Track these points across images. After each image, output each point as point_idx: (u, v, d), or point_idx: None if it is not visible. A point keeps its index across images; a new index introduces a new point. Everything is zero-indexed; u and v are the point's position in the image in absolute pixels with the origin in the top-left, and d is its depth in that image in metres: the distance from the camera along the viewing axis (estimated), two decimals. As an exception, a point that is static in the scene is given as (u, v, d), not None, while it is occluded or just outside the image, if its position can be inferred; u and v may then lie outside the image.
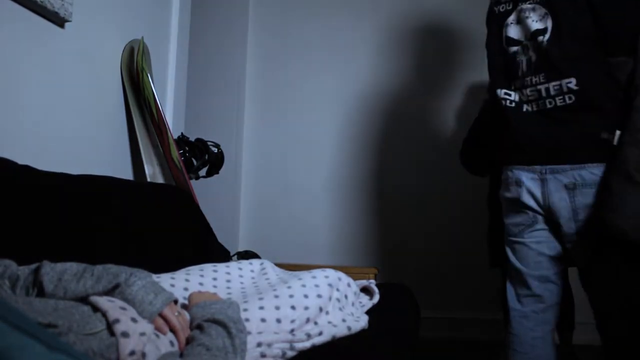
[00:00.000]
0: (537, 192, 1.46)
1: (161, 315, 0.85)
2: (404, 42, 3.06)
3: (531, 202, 1.48)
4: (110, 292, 0.83)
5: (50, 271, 0.84)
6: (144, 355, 0.74)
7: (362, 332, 1.18)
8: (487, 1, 1.64)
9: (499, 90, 1.53)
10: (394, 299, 1.52)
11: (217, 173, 2.15)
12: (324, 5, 3.13)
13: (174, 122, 2.11)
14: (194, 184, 2.00)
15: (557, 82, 1.41)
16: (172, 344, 0.84)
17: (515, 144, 1.50)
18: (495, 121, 1.61)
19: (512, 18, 1.52)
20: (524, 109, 1.49)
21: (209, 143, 2.08)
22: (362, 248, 3.01)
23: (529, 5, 1.48)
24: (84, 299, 0.81)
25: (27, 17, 1.34)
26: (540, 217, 1.49)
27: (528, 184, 1.47)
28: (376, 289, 1.44)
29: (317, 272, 1.24)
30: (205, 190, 2.35)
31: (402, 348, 1.27)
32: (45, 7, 1.35)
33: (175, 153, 1.82)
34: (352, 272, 1.50)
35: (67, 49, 1.50)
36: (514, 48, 1.51)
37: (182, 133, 2.10)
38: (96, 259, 0.94)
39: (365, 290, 1.47)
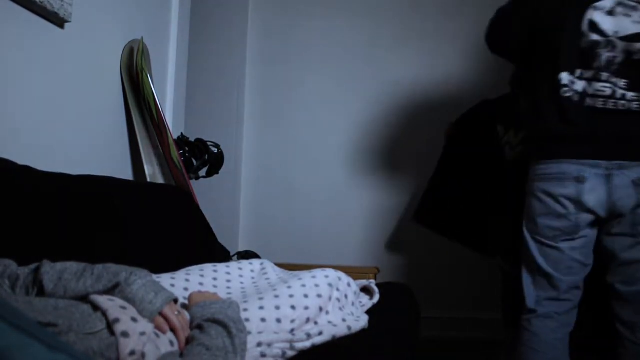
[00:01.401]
0: (602, 189, 1.37)
1: (161, 315, 0.84)
2: (406, 42, 3.06)
3: (592, 202, 1.38)
4: (110, 291, 0.83)
5: (50, 270, 0.84)
6: (143, 355, 0.74)
7: (362, 332, 1.18)
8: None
9: (563, 75, 1.39)
10: (394, 299, 1.52)
11: (217, 173, 2.15)
12: (324, 5, 3.13)
13: (174, 122, 2.11)
14: (194, 184, 2.00)
15: (637, 94, 1.34)
16: (172, 343, 0.84)
17: (577, 137, 1.39)
18: (533, 105, 1.47)
19: (605, 4, 1.36)
20: (587, 103, 1.38)
21: (209, 143, 2.08)
22: (362, 248, 3.01)
23: (632, 3, 1.35)
24: (84, 298, 0.81)
25: (27, 18, 1.34)
26: (585, 223, 1.41)
27: (592, 180, 1.37)
28: (376, 289, 1.44)
29: (317, 272, 1.24)
30: (205, 190, 2.35)
31: (402, 348, 1.27)
32: (45, 7, 1.35)
33: (175, 153, 1.82)
34: (352, 272, 1.50)
35: (66, 49, 1.50)
36: (595, 37, 1.37)
37: (182, 133, 2.10)
38: (96, 259, 0.94)
39: (366, 290, 1.46)
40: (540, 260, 1.48)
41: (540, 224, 1.47)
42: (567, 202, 1.41)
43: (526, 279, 1.53)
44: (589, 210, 1.40)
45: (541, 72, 1.45)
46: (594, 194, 1.38)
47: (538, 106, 1.46)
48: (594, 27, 1.37)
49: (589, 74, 1.38)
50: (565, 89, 1.39)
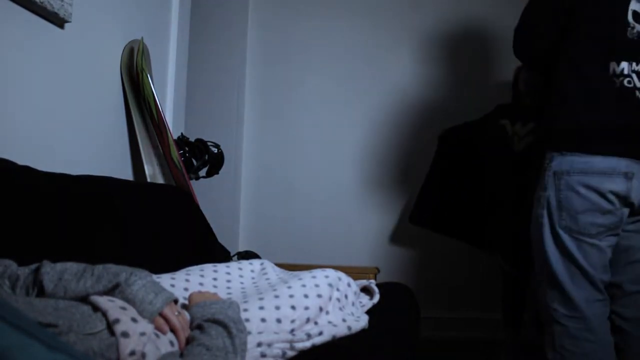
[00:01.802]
0: None
1: (161, 315, 0.84)
2: (406, 42, 3.06)
3: (637, 199, 1.36)
4: (110, 291, 0.83)
5: (50, 271, 0.84)
6: (144, 355, 0.74)
7: (362, 332, 1.18)
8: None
9: (624, 64, 1.36)
10: (394, 299, 1.52)
11: (217, 173, 2.15)
12: (324, 5, 3.13)
13: (174, 122, 2.11)
14: (194, 184, 2.00)
15: None
16: (172, 344, 0.84)
17: (631, 131, 1.36)
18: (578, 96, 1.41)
19: None
20: (637, 95, 1.36)
21: (209, 143, 2.08)
22: (362, 248, 3.01)
23: None
24: (84, 299, 0.81)
25: (27, 18, 1.34)
26: (625, 217, 1.38)
27: (639, 177, 1.35)
28: (376, 289, 1.44)
29: (317, 272, 1.24)
30: (205, 190, 2.36)
31: (402, 348, 1.27)
32: (45, 7, 1.35)
33: (175, 153, 1.82)
34: (352, 271, 1.50)
35: (66, 49, 1.50)
36: None
37: (182, 133, 2.10)
38: (96, 259, 0.94)
39: (366, 290, 1.47)
40: (581, 259, 1.40)
41: (583, 220, 1.39)
42: (613, 198, 1.37)
43: (566, 280, 1.43)
44: (632, 205, 1.38)
45: (590, 63, 1.40)
46: (639, 191, 1.36)
47: (588, 96, 1.40)
48: (638, 17, 1.35)
49: (639, 66, 1.36)
50: (628, 79, 1.36)
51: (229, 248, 1.97)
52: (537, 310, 1.57)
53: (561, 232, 1.42)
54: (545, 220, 1.46)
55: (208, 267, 1.28)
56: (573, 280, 1.42)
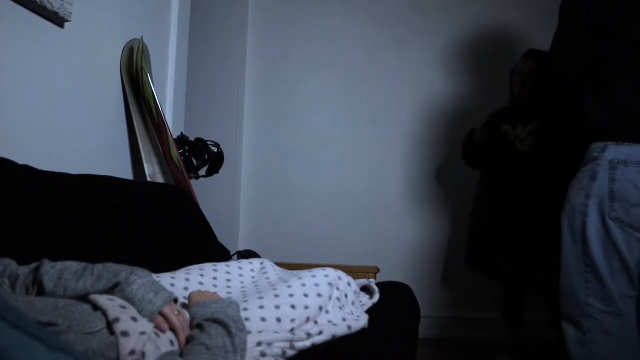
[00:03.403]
0: None
1: (161, 314, 0.85)
2: (407, 40, 3.06)
3: None
4: (110, 290, 0.83)
5: (50, 270, 0.84)
6: (144, 354, 0.74)
7: (363, 331, 1.18)
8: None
9: None
10: (394, 298, 1.52)
11: (217, 172, 2.15)
12: (324, 4, 3.13)
13: (173, 122, 2.11)
14: (194, 183, 2.00)
15: None
16: (172, 343, 0.84)
17: None
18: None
19: None
20: None
21: (208, 142, 2.08)
22: (362, 248, 3.01)
23: None
24: (84, 298, 0.81)
25: (27, 17, 1.34)
26: None
27: None
28: (376, 288, 1.44)
29: (317, 272, 1.24)
30: (205, 190, 2.35)
31: (402, 347, 1.27)
32: (45, 7, 1.35)
33: (175, 153, 1.82)
34: (352, 271, 1.50)
35: (66, 49, 1.50)
36: None
37: (182, 133, 2.10)
38: (96, 259, 0.94)
39: (366, 289, 1.47)
40: (627, 253, 1.38)
41: (636, 213, 1.37)
42: None
43: (606, 274, 1.40)
44: None
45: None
46: None
47: None
48: None
49: None
50: None
51: (229, 248, 1.97)
52: (559, 304, 1.52)
53: (611, 223, 1.39)
54: (592, 210, 1.42)
55: (208, 267, 1.28)
56: (612, 274, 1.39)
